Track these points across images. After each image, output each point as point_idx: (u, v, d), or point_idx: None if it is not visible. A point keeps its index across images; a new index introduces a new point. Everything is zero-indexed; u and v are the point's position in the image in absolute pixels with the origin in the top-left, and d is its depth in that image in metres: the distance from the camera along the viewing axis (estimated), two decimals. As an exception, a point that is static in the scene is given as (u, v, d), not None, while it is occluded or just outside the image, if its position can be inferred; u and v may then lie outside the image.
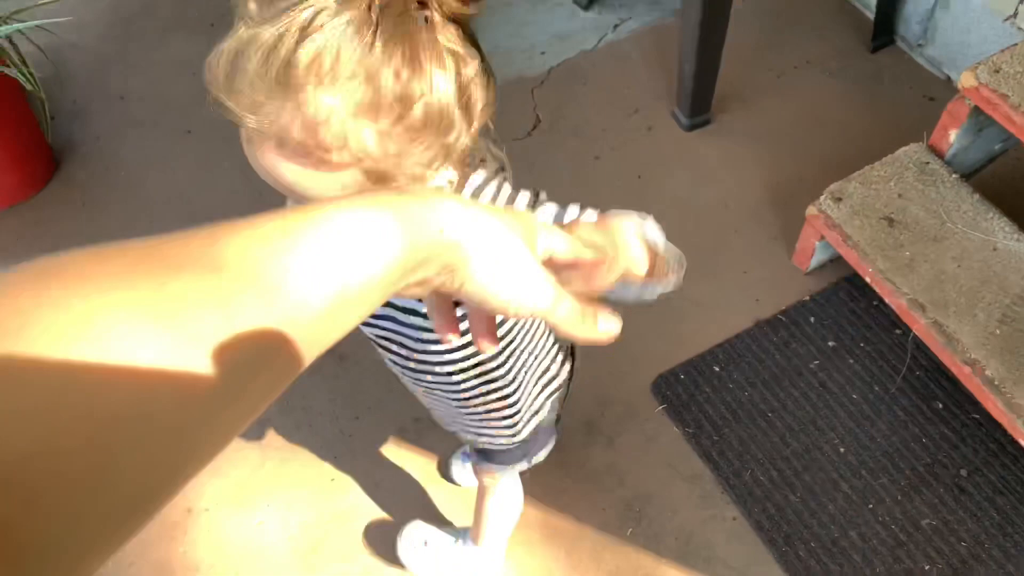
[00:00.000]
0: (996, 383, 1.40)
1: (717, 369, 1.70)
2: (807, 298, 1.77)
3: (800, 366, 1.69)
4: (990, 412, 1.44)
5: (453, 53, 0.62)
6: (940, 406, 1.60)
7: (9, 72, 1.89)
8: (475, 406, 1.02)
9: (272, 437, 1.71)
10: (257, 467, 1.68)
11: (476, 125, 0.67)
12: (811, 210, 1.69)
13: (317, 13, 0.56)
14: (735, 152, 2.02)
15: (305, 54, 0.57)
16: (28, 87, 1.95)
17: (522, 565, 1.54)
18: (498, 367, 0.95)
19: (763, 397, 1.66)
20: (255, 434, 1.71)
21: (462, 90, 0.63)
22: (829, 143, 2.01)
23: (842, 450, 1.59)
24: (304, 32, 0.57)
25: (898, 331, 1.69)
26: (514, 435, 1.10)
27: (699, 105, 2.02)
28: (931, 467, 1.55)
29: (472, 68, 0.63)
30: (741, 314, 1.77)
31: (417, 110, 0.61)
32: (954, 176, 1.65)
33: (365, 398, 1.74)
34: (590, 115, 2.13)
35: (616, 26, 2.28)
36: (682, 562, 1.51)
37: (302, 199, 0.65)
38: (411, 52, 0.59)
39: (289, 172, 0.63)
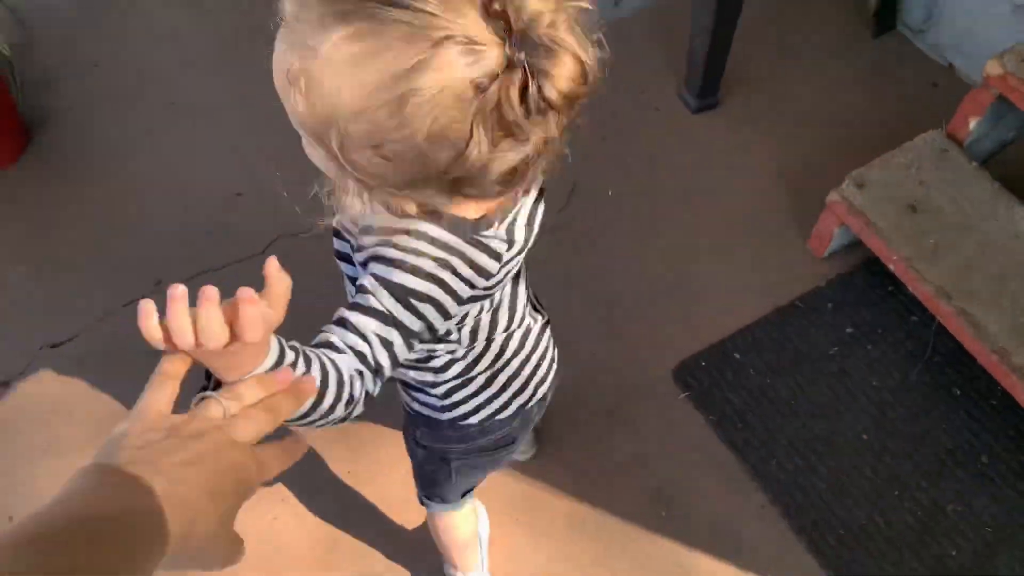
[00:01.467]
0: (1027, 371, 1.42)
1: (737, 356, 1.69)
2: (823, 284, 1.77)
3: (819, 353, 1.68)
4: (1017, 399, 1.46)
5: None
6: (958, 392, 1.62)
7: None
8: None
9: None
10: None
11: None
12: (833, 196, 1.68)
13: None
14: (743, 135, 2.01)
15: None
16: None
17: (551, 556, 1.51)
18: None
19: (784, 384, 1.65)
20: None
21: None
22: (835, 127, 2.00)
23: (865, 436, 1.59)
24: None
25: (914, 318, 1.70)
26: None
27: (708, 87, 2.00)
28: (953, 453, 1.57)
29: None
30: (757, 299, 1.76)
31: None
32: (973, 164, 1.66)
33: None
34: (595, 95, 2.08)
35: (617, 2, 2.23)
36: (712, 550, 1.50)
37: None
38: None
39: None
